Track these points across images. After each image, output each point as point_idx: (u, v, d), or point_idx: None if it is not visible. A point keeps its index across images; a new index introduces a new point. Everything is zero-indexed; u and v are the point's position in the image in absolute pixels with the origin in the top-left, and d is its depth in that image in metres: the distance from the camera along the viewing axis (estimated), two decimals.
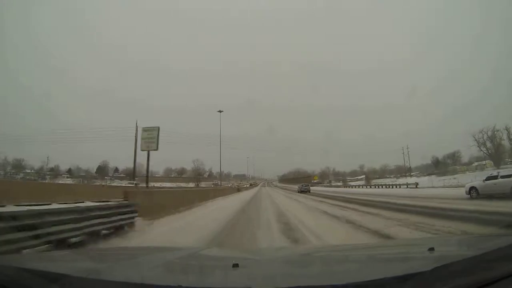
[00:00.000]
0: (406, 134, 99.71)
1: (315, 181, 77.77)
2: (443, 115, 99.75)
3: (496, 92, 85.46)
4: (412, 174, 68.87)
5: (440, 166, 66.35)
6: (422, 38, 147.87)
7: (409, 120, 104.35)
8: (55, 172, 73.92)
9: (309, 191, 37.19)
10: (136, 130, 54.28)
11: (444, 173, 55.22)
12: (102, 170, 78.82)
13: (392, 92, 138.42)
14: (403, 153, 70.13)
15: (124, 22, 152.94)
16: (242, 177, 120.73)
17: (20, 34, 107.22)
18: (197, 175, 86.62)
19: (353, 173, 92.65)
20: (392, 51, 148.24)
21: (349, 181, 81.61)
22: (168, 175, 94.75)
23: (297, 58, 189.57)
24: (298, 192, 37.50)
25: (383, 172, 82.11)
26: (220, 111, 45.30)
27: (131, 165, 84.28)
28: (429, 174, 61.02)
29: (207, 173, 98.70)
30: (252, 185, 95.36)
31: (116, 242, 6.30)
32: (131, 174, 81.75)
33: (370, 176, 77.95)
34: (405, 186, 36.67)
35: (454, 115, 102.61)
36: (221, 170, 51.88)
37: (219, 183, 64.76)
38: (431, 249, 1.51)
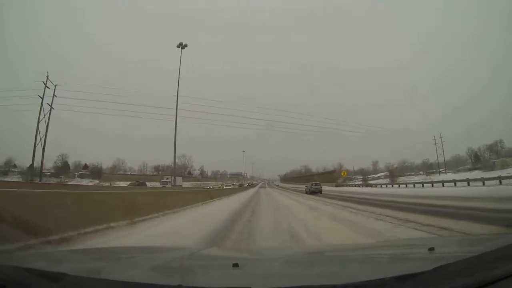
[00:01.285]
0: (407, 132, 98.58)
1: (343, 177, 63.27)
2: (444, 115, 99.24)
3: (496, 92, 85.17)
4: (442, 170, 59.10)
5: (480, 160, 57.23)
6: (422, 38, 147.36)
7: (409, 120, 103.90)
8: (4, 168, 58.53)
9: (321, 192, 30.32)
10: (51, 93, 38.41)
11: (491, 168, 46.41)
12: (65, 166, 68.27)
13: (392, 92, 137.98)
14: (435, 144, 60.15)
15: (124, 21, 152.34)
16: (239, 176, 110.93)
17: (20, 34, 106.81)
18: (187, 173, 75.54)
19: (363, 171, 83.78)
20: (392, 51, 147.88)
21: (368, 180, 68.74)
22: (143, 173, 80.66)
23: (297, 58, 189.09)
24: (306, 193, 30.79)
25: (403, 169, 72.72)
26: (181, 47, 32.50)
27: (101, 162, 72.32)
28: (470, 170, 51.94)
29: (198, 171, 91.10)
30: (243, 186, 72.60)
31: None
32: (98, 171, 71.30)
33: (395, 173, 63.71)
34: None
35: (454, 115, 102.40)
36: (175, 154, 34.77)
37: (172, 182, 39.99)
38: (431, 249, 1.51)
